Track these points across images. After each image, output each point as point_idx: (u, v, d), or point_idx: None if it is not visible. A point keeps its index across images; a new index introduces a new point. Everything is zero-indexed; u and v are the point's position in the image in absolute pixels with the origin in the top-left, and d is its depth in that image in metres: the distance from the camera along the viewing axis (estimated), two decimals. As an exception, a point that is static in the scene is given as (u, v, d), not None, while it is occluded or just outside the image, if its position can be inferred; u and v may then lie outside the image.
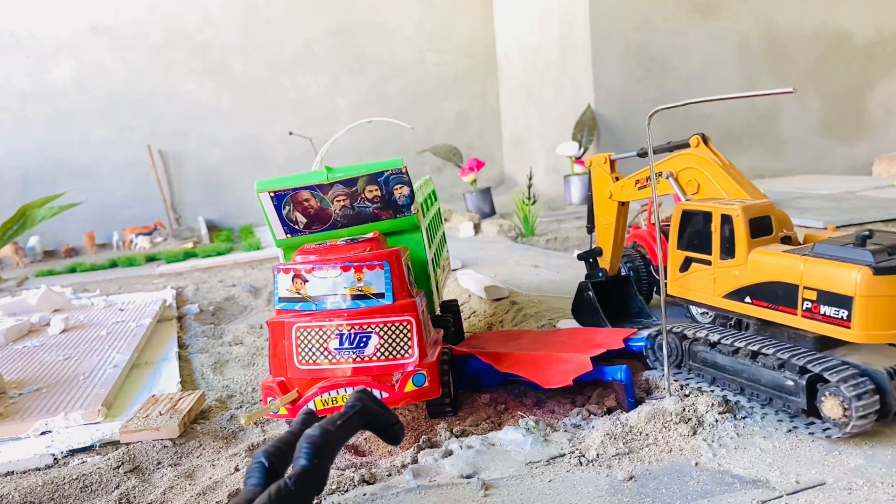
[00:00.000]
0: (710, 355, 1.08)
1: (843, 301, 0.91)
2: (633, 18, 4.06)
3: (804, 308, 0.96)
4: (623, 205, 1.45)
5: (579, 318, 1.52)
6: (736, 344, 1.03)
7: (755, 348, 1.00)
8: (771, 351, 0.98)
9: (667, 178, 1.26)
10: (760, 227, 1.07)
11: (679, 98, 1.17)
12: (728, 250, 1.07)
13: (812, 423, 0.93)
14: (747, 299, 1.05)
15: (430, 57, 5.21)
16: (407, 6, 5.10)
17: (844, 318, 0.91)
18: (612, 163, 1.45)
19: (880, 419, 0.89)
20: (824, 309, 0.94)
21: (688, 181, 1.24)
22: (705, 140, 1.24)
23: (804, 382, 0.93)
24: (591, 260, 1.52)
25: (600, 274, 1.49)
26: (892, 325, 0.89)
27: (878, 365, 0.90)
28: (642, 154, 1.31)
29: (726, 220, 1.07)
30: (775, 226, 1.08)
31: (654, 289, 1.57)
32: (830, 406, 0.90)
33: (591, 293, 1.46)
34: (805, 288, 0.96)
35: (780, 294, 1.00)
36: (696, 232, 1.14)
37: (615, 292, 1.49)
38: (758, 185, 1.22)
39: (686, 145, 1.26)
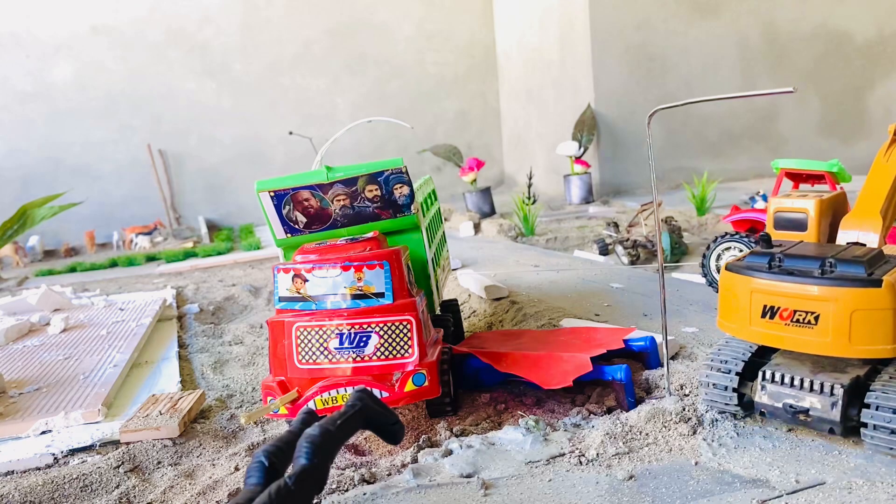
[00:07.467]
0: None
1: None
2: (633, 18, 4.05)
3: None
4: None
5: None
6: None
7: None
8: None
9: None
10: (789, 223, 1.10)
11: (679, 98, 1.18)
12: None
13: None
14: None
15: (430, 57, 5.21)
16: (407, 6, 5.09)
17: None
18: None
19: (751, 415, 0.95)
20: None
21: None
22: None
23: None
24: None
25: None
26: (740, 322, 0.94)
27: (804, 371, 0.91)
28: None
29: None
30: (813, 225, 1.11)
31: None
32: None
33: None
34: None
35: None
36: None
37: None
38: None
39: None
